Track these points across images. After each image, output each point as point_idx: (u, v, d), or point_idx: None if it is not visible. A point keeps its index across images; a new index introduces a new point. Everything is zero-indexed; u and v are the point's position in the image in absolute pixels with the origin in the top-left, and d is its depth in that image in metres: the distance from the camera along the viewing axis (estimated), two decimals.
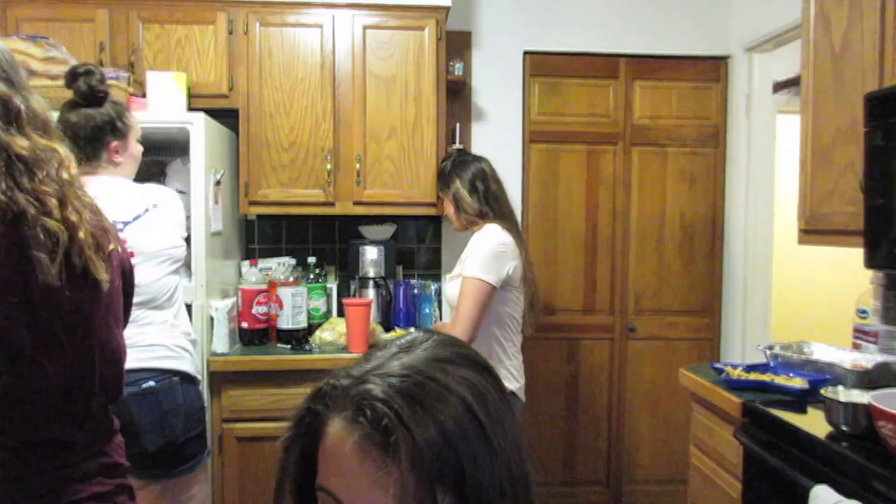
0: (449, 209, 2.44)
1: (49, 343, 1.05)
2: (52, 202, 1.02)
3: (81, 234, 1.05)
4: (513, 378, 2.28)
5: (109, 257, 1.14)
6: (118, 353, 1.19)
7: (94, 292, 1.09)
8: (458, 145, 3.12)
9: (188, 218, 2.53)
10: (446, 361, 0.63)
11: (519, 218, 2.66)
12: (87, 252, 1.06)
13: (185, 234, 2.01)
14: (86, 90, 1.79)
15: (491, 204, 2.35)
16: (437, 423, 0.57)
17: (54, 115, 1.29)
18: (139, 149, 1.96)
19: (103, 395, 1.16)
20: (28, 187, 1.01)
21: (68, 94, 2.43)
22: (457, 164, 2.42)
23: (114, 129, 1.85)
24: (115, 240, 1.19)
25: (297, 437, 0.64)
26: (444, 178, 2.44)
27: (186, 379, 1.91)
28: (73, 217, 1.04)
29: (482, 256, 2.20)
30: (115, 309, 1.19)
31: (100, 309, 1.13)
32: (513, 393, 2.27)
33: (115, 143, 1.86)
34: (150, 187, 1.98)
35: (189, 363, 1.94)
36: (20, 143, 1.02)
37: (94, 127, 1.82)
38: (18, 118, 1.04)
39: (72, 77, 1.79)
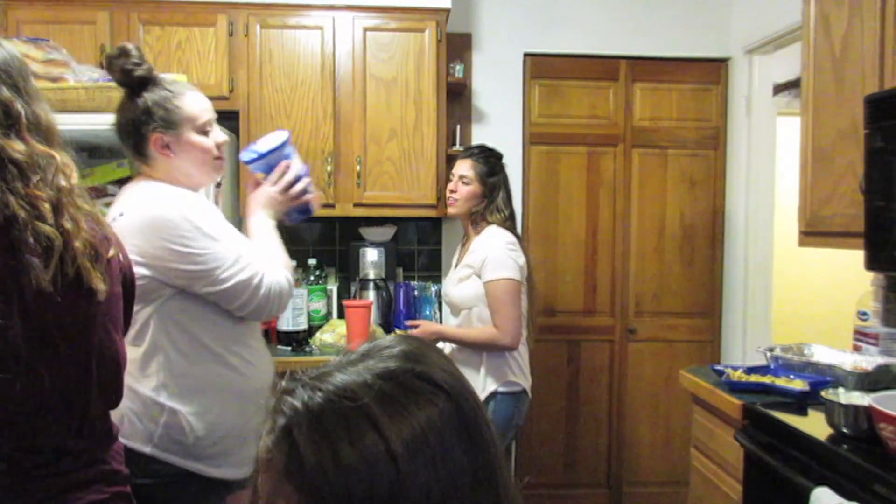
0: (469, 192, 2.34)
1: (44, 348, 1.04)
2: (46, 207, 1.02)
3: (78, 244, 1.04)
4: (523, 375, 2.29)
5: (109, 265, 1.14)
6: (117, 359, 1.19)
7: (89, 300, 1.09)
8: (458, 147, 3.12)
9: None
10: (386, 378, 0.60)
11: (519, 220, 2.66)
12: (81, 261, 1.05)
13: (149, 259, 1.45)
14: (121, 76, 1.54)
15: (514, 217, 2.40)
16: (334, 452, 0.55)
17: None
18: (200, 140, 1.58)
19: (101, 401, 1.15)
20: (21, 192, 1.00)
21: (69, 96, 2.43)
22: (502, 164, 2.42)
23: (151, 116, 1.53)
24: (117, 247, 1.19)
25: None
26: (490, 167, 2.36)
27: None
28: (69, 225, 1.04)
29: (502, 257, 2.21)
30: (114, 315, 1.18)
31: (98, 315, 1.12)
32: (524, 391, 2.29)
33: (157, 135, 1.54)
34: (142, 191, 1.55)
35: (116, 421, 1.31)
36: (16, 148, 1.02)
37: (128, 120, 1.55)
38: (18, 123, 1.04)
39: (108, 64, 1.54)
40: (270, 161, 1.65)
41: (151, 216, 1.46)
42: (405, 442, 0.56)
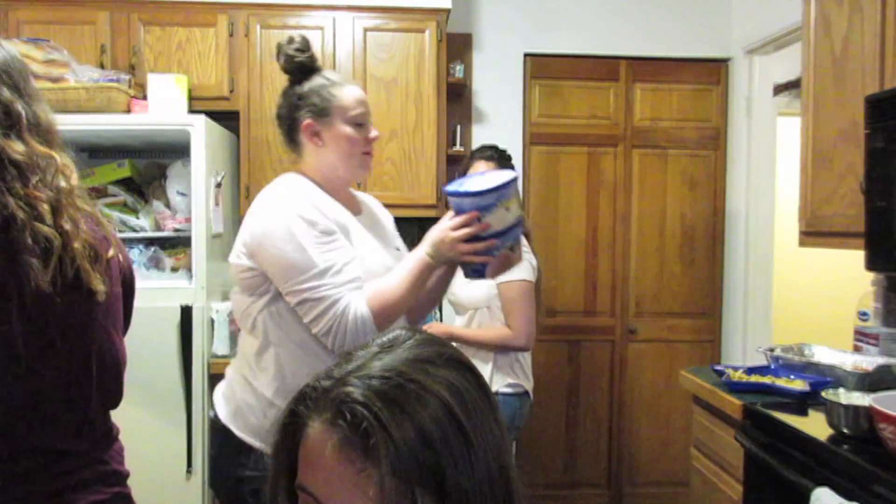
0: None
1: (45, 349, 1.04)
2: (45, 208, 1.01)
3: (77, 245, 1.04)
4: (526, 377, 2.29)
5: (109, 266, 1.14)
6: (118, 359, 1.18)
7: (89, 301, 1.09)
8: (458, 147, 3.12)
9: (187, 220, 2.54)
10: (427, 361, 0.64)
11: None
12: (80, 262, 1.05)
13: (250, 251, 1.45)
14: (284, 62, 1.53)
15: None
16: (417, 425, 0.58)
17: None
18: (350, 131, 1.52)
19: (101, 402, 1.15)
20: (20, 192, 1.00)
21: (69, 97, 2.44)
22: (513, 165, 2.42)
23: (305, 102, 1.52)
24: (117, 247, 1.19)
25: (282, 440, 0.65)
26: (508, 168, 2.37)
27: (216, 426, 1.54)
28: (68, 226, 1.04)
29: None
30: (114, 316, 1.18)
31: (97, 316, 1.12)
32: (526, 393, 2.28)
33: (308, 122, 1.52)
34: (275, 184, 1.55)
35: (232, 411, 1.50)
36: (15, 148, 1.02)
37: (285, 105, 1.55)
38: (18, 124, 1.04)
39: (277, 50, 1.54)
40: (463, 204, 1.41)
41: (260, 212, 1.48)
42: (462, 409, 0.61)
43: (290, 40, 1.52)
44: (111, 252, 1.15)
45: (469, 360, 0.69)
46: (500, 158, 2.37)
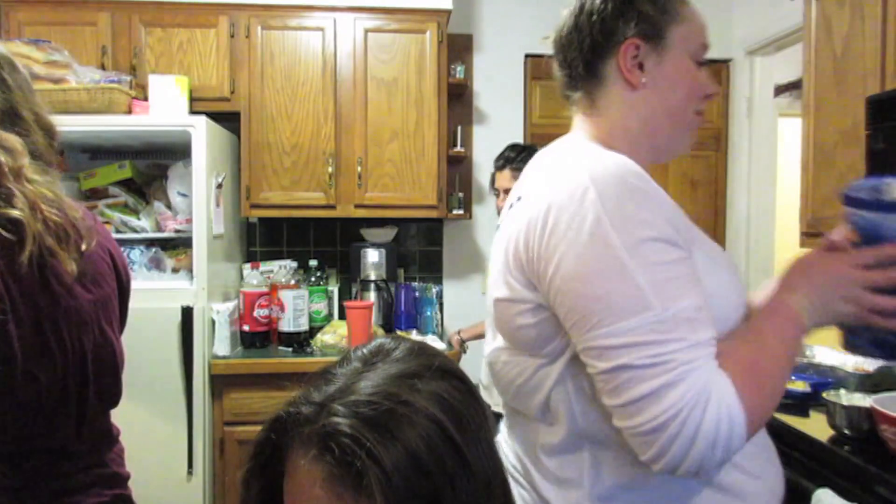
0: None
1: (39, 349, 1.02)
2: None
3: (38, 226, 0.98)
4: None
5: (93, 260, 1.10)
6: (115, 357, 1.17)
7: (69, 289, 1.05)
8: (459, 148, 3.12)
9: (188, 221, 2.54)
10: (415, 376, 0.60)
11: None
12: (46, 246, 1.00)
13: (537, 274, 0.84)
14: None
15: None
16: (410, 453, 0.54)
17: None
18: (695, 72, 0.93)
19: (100, 401, 1.13)
20: None
21: (70, 98, 2.44)
22: None
23: (631, 8, 0.91)
24: (104, 238, 1.15)
25: (256, 469, 0.62)
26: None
27: None
28: (16, 213, 0.96)
29: None
30: (110, 313, 1.16)
31: (86, 311, 1.09)
32: None
33: (632, 42, 0.91)
34: (557, 155, 1.04)
35: None
36: None
37: (590, 14, 0.93)
38: None
39: None
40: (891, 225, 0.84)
41: (545, 204, 0.83)
42: (456, 425, 0.58)
43: None
44: (84, 245, 1.07)
45: (457, 367, 0.64)
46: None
